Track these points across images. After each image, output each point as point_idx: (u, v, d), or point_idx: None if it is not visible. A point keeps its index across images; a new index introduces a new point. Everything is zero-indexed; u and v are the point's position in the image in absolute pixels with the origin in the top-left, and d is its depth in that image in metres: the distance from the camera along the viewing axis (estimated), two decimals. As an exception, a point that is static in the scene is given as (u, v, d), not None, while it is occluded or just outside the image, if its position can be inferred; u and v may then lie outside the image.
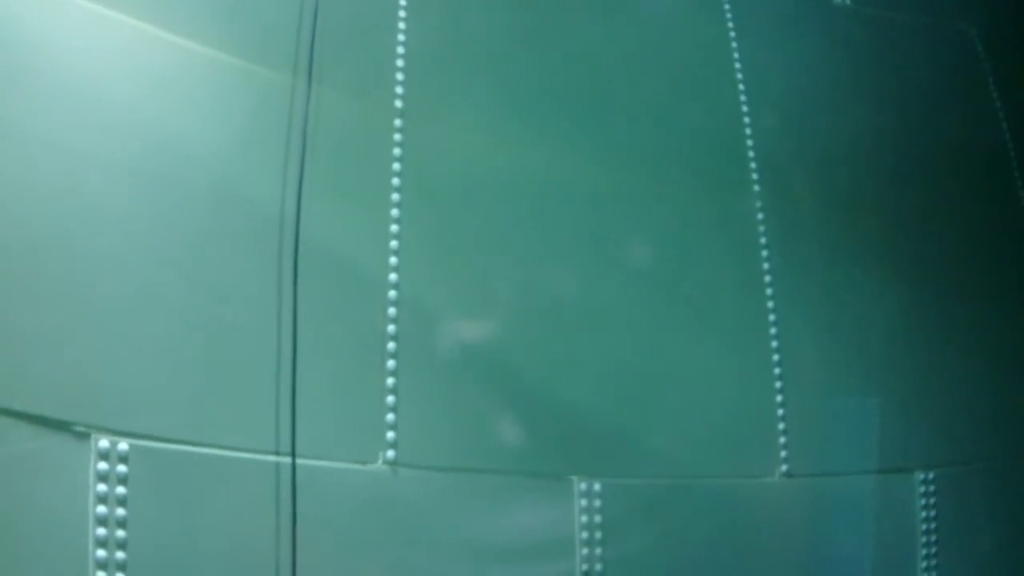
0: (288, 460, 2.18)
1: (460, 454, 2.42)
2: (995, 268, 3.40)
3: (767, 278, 2.94)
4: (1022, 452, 3.20)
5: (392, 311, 2.41)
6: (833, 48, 3.40)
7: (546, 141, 2.77)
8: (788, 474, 2.82)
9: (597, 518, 2.50)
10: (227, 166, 2.32)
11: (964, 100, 3.62)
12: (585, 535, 2.49)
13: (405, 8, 2.63)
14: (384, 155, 2.51)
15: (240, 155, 2.34)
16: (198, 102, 2.33)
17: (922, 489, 3.00)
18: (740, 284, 2.93)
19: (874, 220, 3.22)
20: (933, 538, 2.98)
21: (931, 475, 3.01)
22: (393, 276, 2.43)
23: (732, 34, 3.16)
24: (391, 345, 2.38)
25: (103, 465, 1.97)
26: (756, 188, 3.03)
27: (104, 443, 1.98)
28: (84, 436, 1.97)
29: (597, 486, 2.52)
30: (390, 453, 2.32)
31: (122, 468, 1.99)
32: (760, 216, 3.00)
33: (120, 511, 1.97)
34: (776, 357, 2.89)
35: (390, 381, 2.36)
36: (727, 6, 3.18)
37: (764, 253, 2.97)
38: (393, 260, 2.44)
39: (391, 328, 2.39)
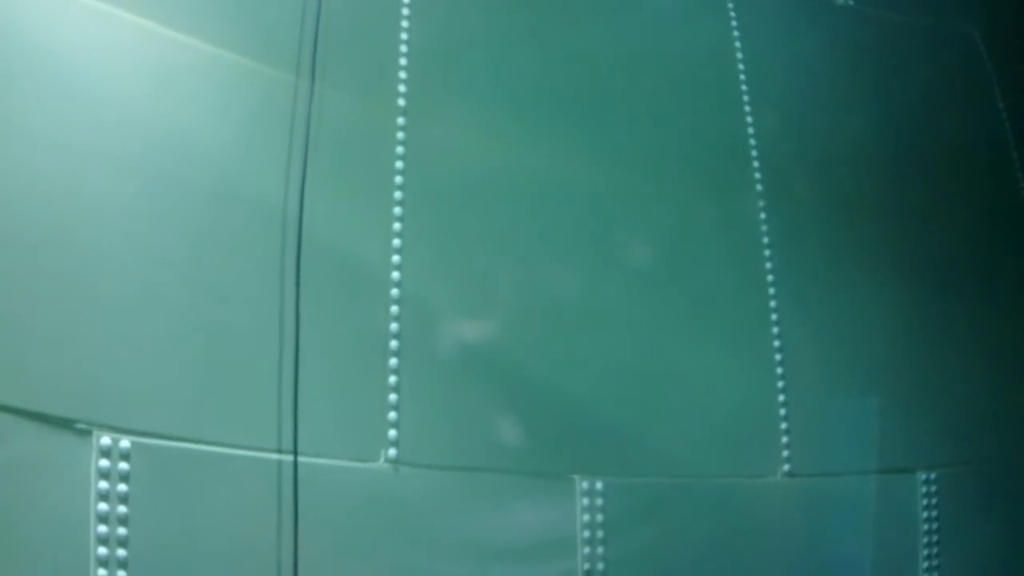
0: (290, 458, 2.18)
1: (462, 453, 2.42)
2: (997, 268, 3.40)
3: (769, 277, 2.94)
4: (1023, 453, 3.20)
5: (394, 309, 2.41)
6: (836, 49, 3.40)
7: (549, 140, 2.77)
8: (790, 474, 2.82)
9: (599, 517, 2.50)
10: (230, 164, 2.32)
11: (967, 101, 3.62)
12: (587, 534, 2.49)
13: (408, 7, 2.63)
14: (387, 154, 2.51)
15: (243, 153, 2.34)
16: (201, 100, 2.32)
17: (924, 489, 3.00)
18: (742, 283, 2.93)
19: (877, 220, 3.22)
20: (935, 538, 2.98)
21: (933, 475, 3.01)
22: (395, 275, 2.43)
23: (736, 34, 3.16)
24: (393, 343, 2.38)
25: (105, 462, 1.97)
26: (759, 188, 3.03)
27: (106, 440, 1.97)
28: (86, 433, 1.97)
29: (599, 485, 2.52)
30: (392, 451, 2.32)
31: (124, 465, 1.99)
32: (763, 216, 3.01)
33: (122, 508, 1.96)
34: (778, 357, 2.89)
35: (392, 379, 2.36)
36: (731, 5, 3.18)
37: (766, 253, 2.97)
38: (395, 259, 2.44)
39: (393, 326, 2.39)
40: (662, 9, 3.12)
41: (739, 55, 3.15)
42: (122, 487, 1.97)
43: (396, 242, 2.46)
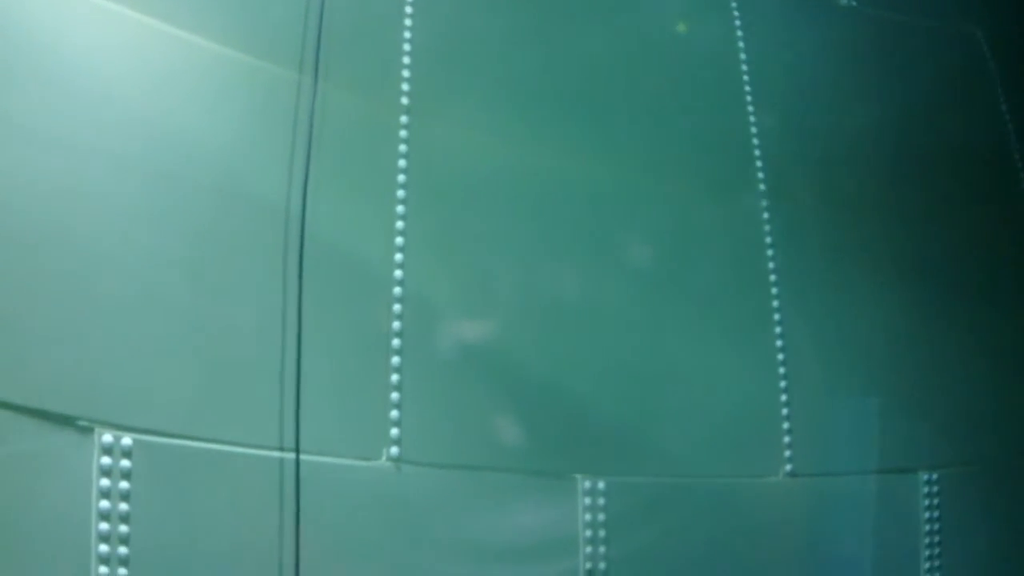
0: (292, 456, 2.18)
1: (464, 451, 2.41)
2: (1000, 268, 3.40)
3: (772, 277, 2.94)
4: (1025, 453, 3.20)
5: (397, 308, 2.41)
6: (840, 49, 3.40)
7: (552, 139, 2.77)
8: (792, 474, 2.82)
9: (601, 516, 2.50)
10: (233, 162, 2.32)
11: (970, 101, 3.62)
12: (589, 533, 2.49)
13: (412, 5, 2.63)
14: (390, 152, 2.51)
15: (245, 151, 2.34)
16: (203, 98, 2.32)
17: (926, 490, 2.99)
18: (745, 283, 2.93)
19: (879, 220, 3.22)
20: (936, 539, 2.97)
21: (935, 476, 3.01)
22: (398, 273, 2.43)
23: (739, 34, 3.16)
24: (395, 342, 2.38)
25: (106, 460, 1.96)
26: (761, 187, 3.03)
27: (108, 438, 1.97)
28: (88, 431, 1.96)
29: (601, 484, 2.52)
30: (394, 450, 2.32)
31: (125, 463, 1.98)
32: (765, 216, 3.00)
33: (123, 506, 1.96)
34: (780, 356, 2.89)
35: (394, 378, 2.36)
36: (734, 5, 3.18)
37: (769, 252, 2.97)
38: (398, 257, 2.44)
39: (395, 325, 2.39)
40: (666, 9, 3.12)
41: (743, 55, 3.15)
42: (124, 484, 1.97)
43: (399, 240, 2.45)
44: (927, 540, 2.97)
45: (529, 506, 2.46)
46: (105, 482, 1.96)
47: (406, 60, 2.59)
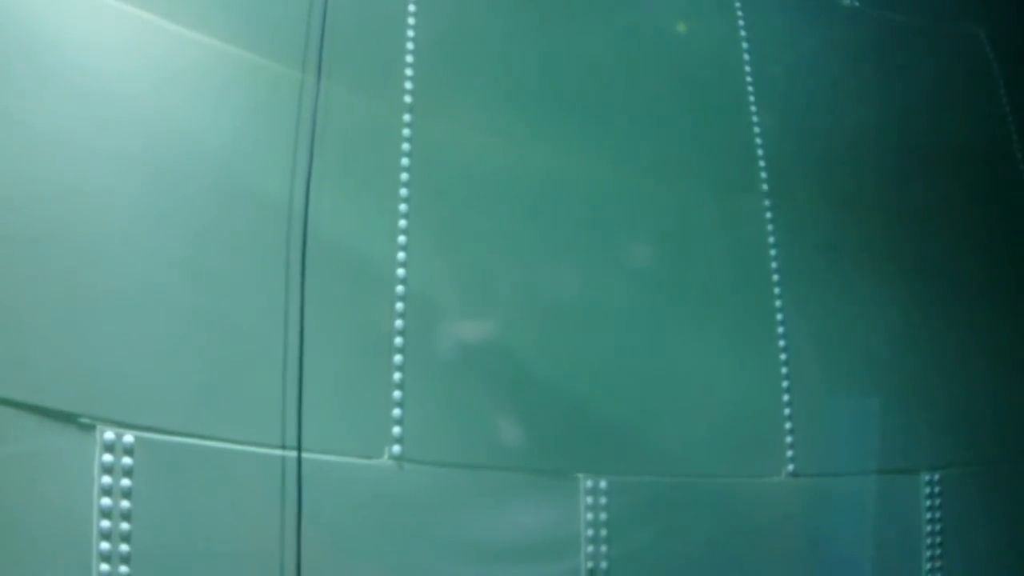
0: (294, 454, 2.18)
1: (466, 450, 2.41)
2: (1001, 268, 3.40)
3: (775, 277, 2.94)
4: (1026, 454, 3.20)
5: (399, 306, 2.40)
6: (842, 49, 3.39)
7: (555, 138, 2.77)
8: (794, 474, 2.82)
9: (603, 515, 2.50)
10: (235, 160, 2.31)
11: (972, 101, 3.61)
12: (591, 532, 2.48)
13: (415, 4, 2.63)
14: (392, 151, 2.51)
15: (248, 149, 2.34)
16: (206, 96, 2.32)
17: (927, 490, 2.99)
18: (747, 283, 2.93)
19: (881, 220, 3.22)
20: (938, 539, 2.97)
21: (936, 476, 3.01)
22: (400, 271, 2.43)
23: (742, 34, 3.16)
24: (398, 340, 2.38)
25: (108, 457, 1.96)
26: (764, 187, 3.03)
27: (109, 435, 1.97)
28: (89, 428, 1.96)
29: (603, 484, 2.52)
30: (395, 448, 2.32)
31: (127, 460, 1.98)
32: (768, 215, 3.00)
33: (125, 503, 1.96)
34: (783, 356, 2.89)
35: (396, 376, 2.36)
36: (737, 5, 3.17)
37: (771, 252, 2.96)
38: (401, 255, 2.44)
39: (398, 323, 2.39)
40: (669, 8, 3.12)
41: (745, 56, 3.15)
42: (125, 482, 1.97)
43: (401, 239, 2.45)
44: (928, 540, 2.97)
45: (531, 505, 2.46)
46: (107, 479, 1.95)
47: (409, 59, 2.59)
